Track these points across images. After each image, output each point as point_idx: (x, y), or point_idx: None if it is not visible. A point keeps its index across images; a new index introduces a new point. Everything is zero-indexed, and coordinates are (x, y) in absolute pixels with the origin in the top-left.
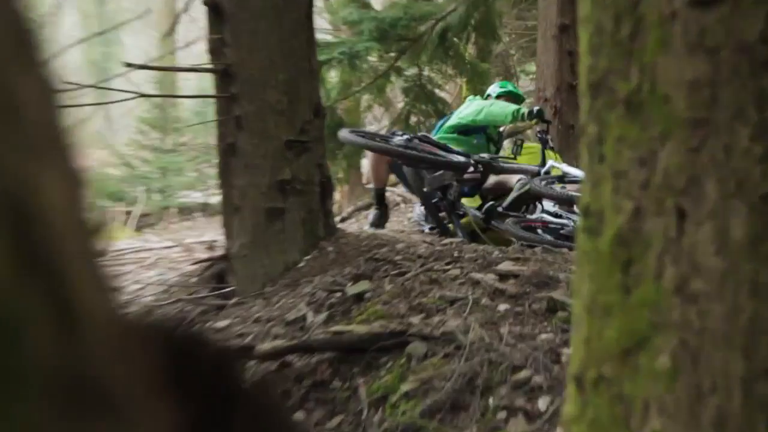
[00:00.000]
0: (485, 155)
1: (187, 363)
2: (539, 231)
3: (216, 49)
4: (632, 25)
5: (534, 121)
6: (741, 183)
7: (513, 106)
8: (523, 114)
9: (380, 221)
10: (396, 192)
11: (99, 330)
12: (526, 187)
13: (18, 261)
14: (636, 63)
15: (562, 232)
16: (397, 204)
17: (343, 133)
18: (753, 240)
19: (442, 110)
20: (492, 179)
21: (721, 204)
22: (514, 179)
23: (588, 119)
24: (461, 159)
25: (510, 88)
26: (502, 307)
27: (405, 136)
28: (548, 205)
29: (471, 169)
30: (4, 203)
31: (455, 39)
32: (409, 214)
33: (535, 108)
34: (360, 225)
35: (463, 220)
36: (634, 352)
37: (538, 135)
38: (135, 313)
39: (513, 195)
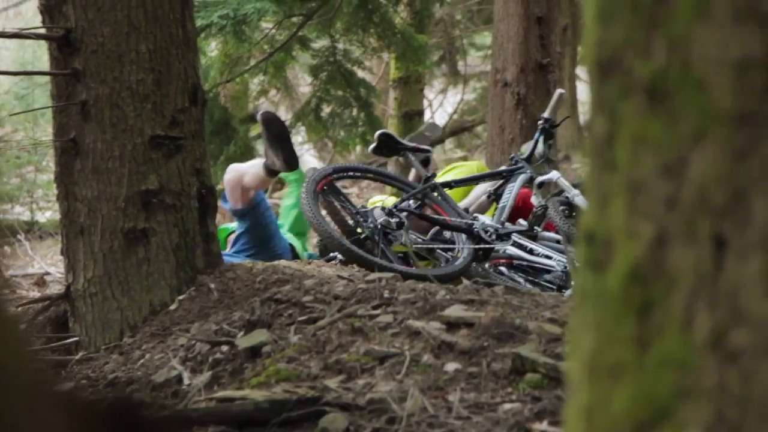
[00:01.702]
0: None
1: None
2: (503, 269)
3: (52, 6)
4: None
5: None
6: None
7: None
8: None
9: None
10: None
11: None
12: (544, 209)
13: None
14: (662, 35)
15: (533, 278)
16: None
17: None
18: None
19: (364, 97)
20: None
21: None
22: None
23: (595, 111)
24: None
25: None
26: (451, 366)
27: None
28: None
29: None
30: None
31: None
32: (314, 239)
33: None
34: None
35: (396, 246)
36: (653, 426)
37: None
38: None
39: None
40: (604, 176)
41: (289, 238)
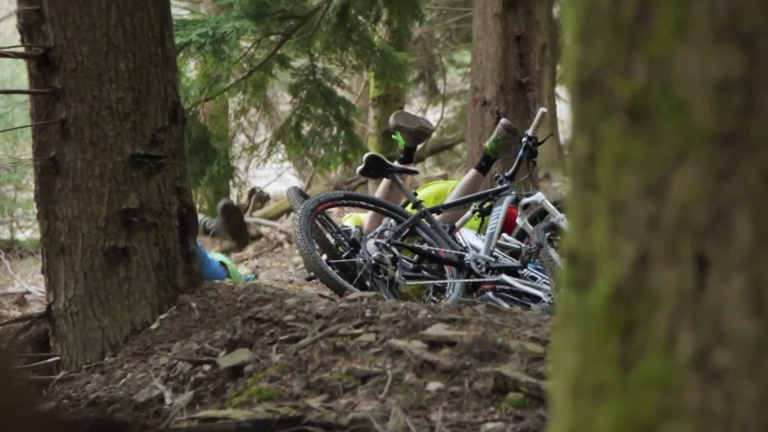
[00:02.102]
0: None
1: None
2: (489, 294)
3: (31, 24)
4: (638, 3)
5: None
6: None
7: None
8: None
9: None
10: (279, 228)
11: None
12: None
13: None
14: (643, 55)
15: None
16: (280, 244)
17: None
18: None
19: (344, 115)
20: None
21: (756, 249)
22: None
23: (576, 131)
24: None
25: None
26: (433, 386)
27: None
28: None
29: None
30: None
31: (360, 17)
32: (296, 258)
33: None
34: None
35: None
36: None
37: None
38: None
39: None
40: (586, 196)
41: (219, 257)
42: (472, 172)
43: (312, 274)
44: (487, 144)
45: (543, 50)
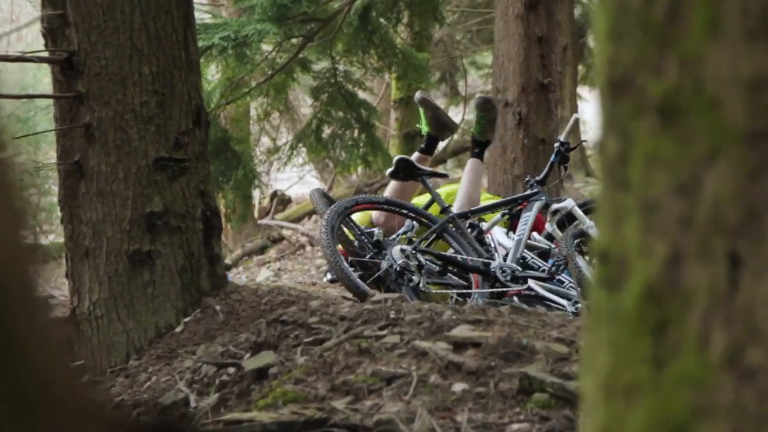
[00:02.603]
0: None
1: None
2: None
3: (55, 29)
4: (670, 2)
5: None
6: None
7: None
8: None
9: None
10: (301, 230)
11: (58, 416)
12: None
13: None
14: (674, 54)
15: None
16: (302, 246)
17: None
18: None
19: (365, 118)
20: None
21: None
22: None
23: (607, 131)
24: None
25: None
26: (459, 387)
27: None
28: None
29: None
30: None
31: (382, 20)
32: (318, 260)
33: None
34: (251, 275)
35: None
36: None
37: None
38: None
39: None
40: (617, 195)
41: None
42: (471, 161)
43: (335, 276)
44: (473, 129)
45: (564, 51)
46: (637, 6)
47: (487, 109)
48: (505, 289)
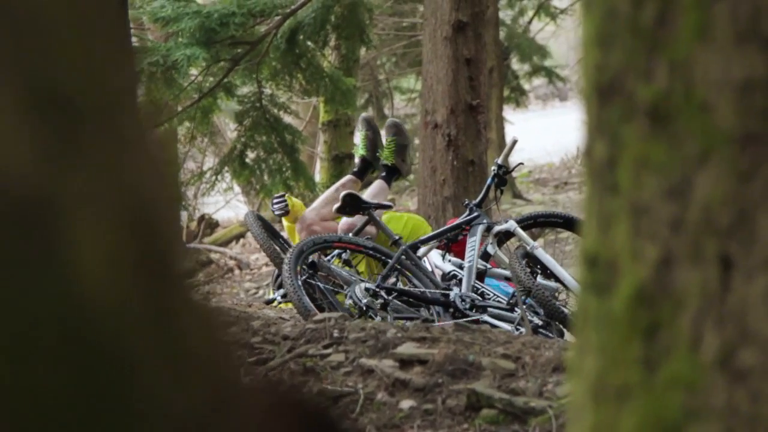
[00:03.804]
0: None
1: None
2: None
3: None
4: (659, 6)
5: None
6: None
7: None
8: None
9: None
10: (229, 254)
11: (214, 384)
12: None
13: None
14: (664, 58)
15: None
16: (230, 270)
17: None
18: None
19: (289, 142)
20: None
21: None
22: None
23: (594, 135)
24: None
25: None
26: (406, 404)
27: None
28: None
29: None
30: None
31: (309, 43)
32: (246, 284)
33: None
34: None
35: (343, 294)
36: None
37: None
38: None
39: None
40: (605, 200)
41: None
42: (377, 182)
43: (272, 297)
44: (382, 155)
45: (490, 73)
46: (625, 10)
47: (397, 133)
48: (465, 320)
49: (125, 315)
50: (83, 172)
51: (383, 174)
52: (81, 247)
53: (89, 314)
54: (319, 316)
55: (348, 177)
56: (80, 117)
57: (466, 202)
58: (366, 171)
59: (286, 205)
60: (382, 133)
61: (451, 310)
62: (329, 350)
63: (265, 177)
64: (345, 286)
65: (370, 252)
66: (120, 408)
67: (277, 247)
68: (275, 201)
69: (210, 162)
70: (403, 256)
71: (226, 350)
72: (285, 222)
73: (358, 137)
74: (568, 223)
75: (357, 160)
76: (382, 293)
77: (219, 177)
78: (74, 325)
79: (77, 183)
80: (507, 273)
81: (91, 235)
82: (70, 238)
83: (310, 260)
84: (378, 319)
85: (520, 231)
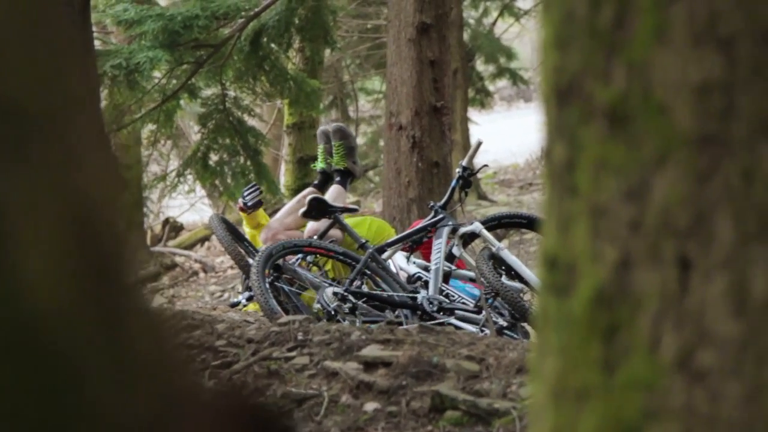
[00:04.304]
0: None
1: None
2: None
3: None
4: (616, 9)
5: None
6: (765, 221)
7: None
8: None
9: None
10: (194, 257)
11: (162, 390)
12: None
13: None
14: (622, 60)
15: None
16: (195, 273)
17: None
18: None
19: (252, 145)
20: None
21: (737, 250)
22: None
23: (553, 138)
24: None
25: None
26: (371, 406)
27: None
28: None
29: None
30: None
31: (273, 45)
32: (211, 287)
33: None
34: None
35: (305, 294)
36: None
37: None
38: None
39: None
40: (564, 201)
41: None
42: (333, 186)
43: (237, 301)
44: (333, 161)
45: (455, 75)
46: (583, 13)
47: (343, 137)
48: (432, 323)
49: (70, 318)
50: (29, 178)
51: (338, 179)
52: (26, 251)
53: (34, 317)
54: (284, 319)
55: (309, 189)
56: (28, 123)
57: (431, 204)
58: (326, 183)
59: (261, 193)
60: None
61: (419, 312)
62: (293, 353)
63: (229, 179)
64: (314, 290)
65: (340, 257)
66: (65, 411)
67: (242, 250)
68: (247, 191)
69: (174, 165)
70: (370, 260)
71: (177, 356)
72: (247, 228)
73: (318, 151)
74: (532, 223)
75: (318, 173)
76: (351, 297)
77: (182, 179)
78: (19, 327)
79: (23, 188)
80: (472, 274)
81: (36, 239)
82: (15, 242)
83: (276, 263)
84: (346, 323)
85: (485, 232)
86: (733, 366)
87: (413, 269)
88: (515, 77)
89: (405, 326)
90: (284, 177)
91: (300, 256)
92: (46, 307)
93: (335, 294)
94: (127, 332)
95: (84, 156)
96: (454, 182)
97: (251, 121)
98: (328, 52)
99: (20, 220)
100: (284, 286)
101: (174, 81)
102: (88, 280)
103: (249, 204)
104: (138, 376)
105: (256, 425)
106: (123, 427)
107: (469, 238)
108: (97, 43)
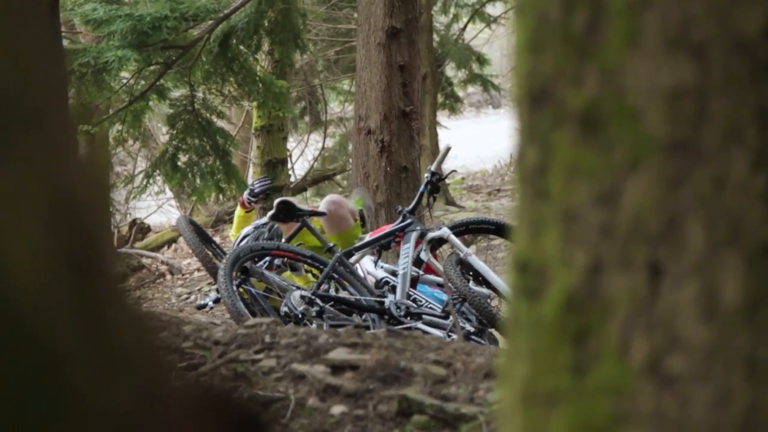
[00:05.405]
0: None
1: None
2: None
3: None
4: (589, 13)
5: None
6: (735, 227)
7: None
8: None
9: None
10: (161, 259)
11: (142, 384)
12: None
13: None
14: (594, 65)
15: None
16: (162, 275)
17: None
18: (750, 304)
19: (221, 146)
20: None
21: (708, 256)
22: None
23: (526, 141)
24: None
25: None
26: (337, 409)
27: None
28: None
29: None
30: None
31: (242, 47)
32: (178, 289)
33: None
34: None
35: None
36: None
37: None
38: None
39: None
40: (536, 206)
41: None
42: None
43: (204, 303)
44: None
45: (424, 80)
46: (556, 17)
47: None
48: (399, 327)
49: (52, 308)
50: (9, 169)
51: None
52: (7, 241)
53: (15, 306)
54: (251, 321)
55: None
56: (7, 116)
57: (399, 209)
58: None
59: (270, 184)
60: None
61: (386, 317)
62: (260, 355)
63: (197, 180)
64: (280, 293)
65: (309, 261)
66: (44, 403)
67: (210, 252)
68: (258, 180)
69: (142, 165)
70: (338, 264)
71: (156, 352)
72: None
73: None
74: (500, 229)
75: None
76: (318, 301)
77: (150, 180)
78: (0, 316)
79: (5, 179)
80: (439, 279)
81: (18, 230)
82: None
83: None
84: (314, 326)
85: (453, 238)
86: (703, 372)
87: (381, 274)
88: (487, 84)
89: (372, 330)
90: (252, 179)
91: (267, 258)
92: (28, 297)
93: (302, 297)
94: (108, 323)
95: (63, 150)
96: (422, 187)
97: (220, 123)
98: (297, 55)
99: (2, 211)
100: (251, 289)
101: (142, 82)
102: (71, 270)
103: (256, 191)
104: (120, 367)
105: (237, 421)
106: (104, 416)
107: (437, 244)
108: (64, 42)
